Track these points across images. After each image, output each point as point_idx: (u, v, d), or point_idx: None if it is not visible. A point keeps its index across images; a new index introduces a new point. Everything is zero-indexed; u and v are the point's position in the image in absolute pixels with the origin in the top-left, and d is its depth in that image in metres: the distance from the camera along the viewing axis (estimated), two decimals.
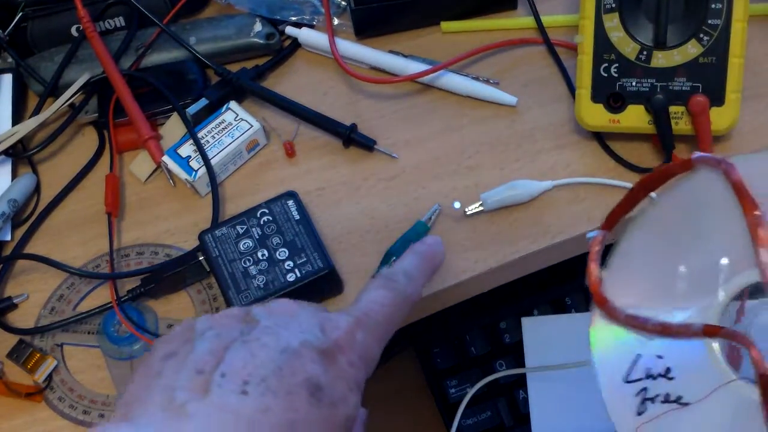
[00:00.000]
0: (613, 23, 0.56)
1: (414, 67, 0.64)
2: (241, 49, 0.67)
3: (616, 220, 0.37)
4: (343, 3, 0.68)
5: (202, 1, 0.71)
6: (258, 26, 0.67)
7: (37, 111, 0.65)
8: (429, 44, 0.67)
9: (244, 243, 0.54)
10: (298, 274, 0.53)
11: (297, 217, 0.55)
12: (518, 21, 0.67)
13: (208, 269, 0.55)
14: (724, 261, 0.35)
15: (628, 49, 0.56)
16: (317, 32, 0.67)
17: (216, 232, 0.55)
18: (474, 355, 0.64)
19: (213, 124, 0.61)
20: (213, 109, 0.63)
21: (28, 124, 0.63)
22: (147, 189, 0.62)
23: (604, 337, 0.36)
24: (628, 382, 0.35)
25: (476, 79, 0.63)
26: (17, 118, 0.66)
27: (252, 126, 0.61)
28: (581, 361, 0.58)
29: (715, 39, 0.54)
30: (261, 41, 0.66)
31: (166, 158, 0.60)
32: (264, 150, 0.63)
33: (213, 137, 0.61)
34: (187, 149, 0.60)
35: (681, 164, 0.35)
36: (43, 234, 0.61)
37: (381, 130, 0.62)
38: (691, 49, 0.55)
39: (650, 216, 0.37)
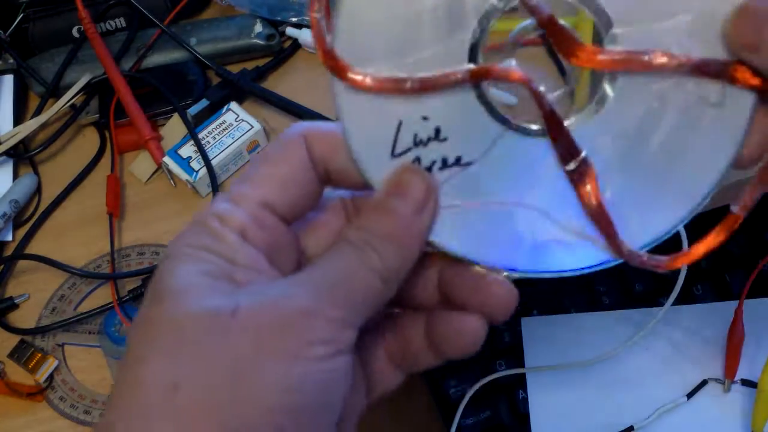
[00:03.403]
0: None
1: None
2: (242, 50, 0.67)
3: None
4: None
5: (203, 2, 0.71)
6: (258, 27, 0.67)
7: (38, 112, 0.65)
8: None
9: None
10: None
11: None
12: (517, 21, 0.67)
13: None
14: None
15: None
16: None
17: None
18: (474, 355, 0.64)
19: (214, 125, 0.62)
20: (214, 110, 0.63)
21: (30, 125, 0.63)
22: (148, 189, 0.62)
23: (355, 113, 0.31)
24: (396, 156, 0.30)
25: None
26: (18, 118, 0.66)
27: (252, 127, 0.61)
28: (581, 361, 0.59)
29: None
30: (261, 42, 0.67)
31: (166, 159, 0.60)
32: None
33: (214, 138, 0.61)
34: (187, 150, 0.61)
35: None
36: (44, 234, 0.61)
37: None
38: None
39: None
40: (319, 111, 0.63)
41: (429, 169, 0.30)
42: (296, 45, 0.68)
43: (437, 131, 0.30)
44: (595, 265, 0.32)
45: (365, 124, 0.30)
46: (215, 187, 0.60)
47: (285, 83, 0.66)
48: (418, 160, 0.30)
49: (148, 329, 0.27)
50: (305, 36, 0.67)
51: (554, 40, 0.30)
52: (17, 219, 0.61)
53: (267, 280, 0.30)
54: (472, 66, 0.30)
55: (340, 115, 0.31)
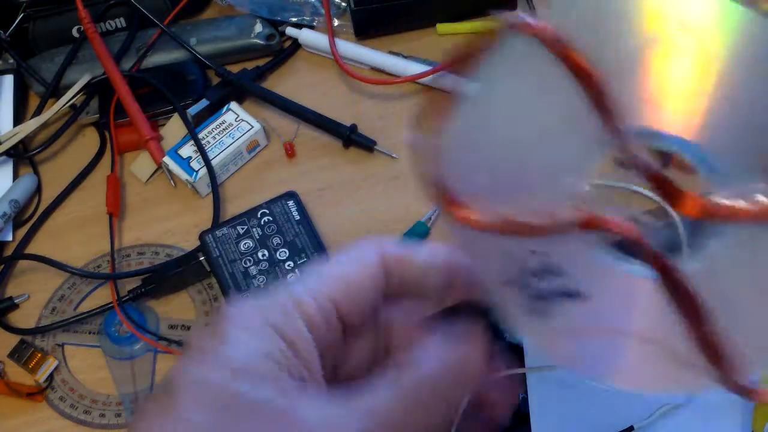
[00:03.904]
0: None
1: (414, 68, 0.64)
2: (242, 49, 0.67)
3: (435, 118, 0.31)
4: (344, 4, 0.68)
5: (203, 2, 0.71)
6: (258, 27, 0.67)
7: (38, 112, 0.65)
8: (429, 45, 0.67)
9: (245, 243, 0.54)
10: (299, 275, 0.53)
11: (297, 217, 0.55)
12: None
13: (209, 269, 0.55)
14: (572, 135, 0.30)
15: None
16: (317, 33, 0.67)
17: (217, 232, 0.55)
18: None
19: (214, 125, 0.62)
20: (214, 110, 0.63)
21: (30, 125, 0.63)
22: (148, 189, 0.62)
23: (465, 244, 0.31)
24: (504, 285, 0.30)
25: None
26: (18, 118, 0.66)
27: (252, 127, 0.61)
28: None
29: None
30: (261, 42, 0.67)
31: (166, 159, 0.60)
32: (264, 150, 0.63)
33: (213, 138, 0.61)
34: (187, 150, 0.61)
35: (486, 36, 0.29)
36: (44, 234, 0.61)
37: (381, 130, 0.62)
38: None
39: (470, 106, 0.31)
40: (319, 111, 0.63)
41: (535, 298, 0.31)
42: (296, 45, 0.68)
43: (545, 264, 0.31)
44: (704, 392, 0.32)
45: (475, 253, 0.31)
46: (215, 187, 0.60)
47: (285, 83, 0.66)
48: (525, 288, 0.31)
49: (189, 386, 0.25)
50: (305, 36, 0.67)
51: (662, 192, 0.30)
52: (17, 219, 0.61)
53: (317, 385, 0.28)
54: (580, 213, 0.30)
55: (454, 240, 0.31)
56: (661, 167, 0.29)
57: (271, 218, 0.55)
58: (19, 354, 0.55)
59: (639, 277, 0.31)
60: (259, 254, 0.54)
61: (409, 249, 0.31)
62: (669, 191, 0.28)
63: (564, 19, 0.29)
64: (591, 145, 0.30)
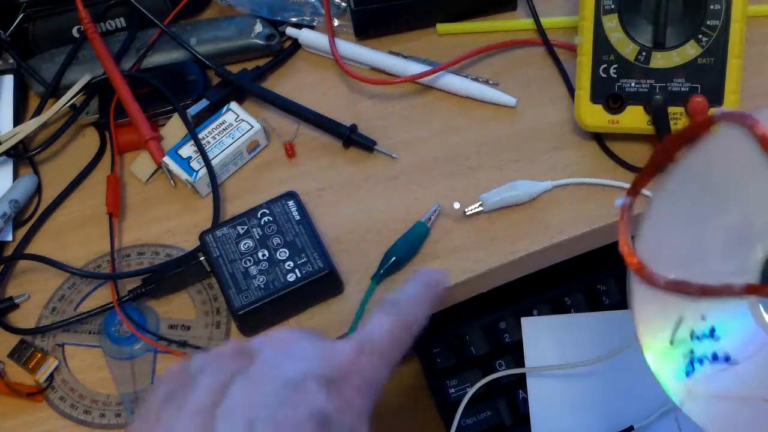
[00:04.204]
0: (612, 24, 0.56)
1: (414, 68, 0.64)
2: (242, 49, 0.67)
3: (641, 185, 0.37)
4: (343, 4, 0.68)
5: (203, 2, 0.71)
6: (258, 27, 0.67)
7: (38, 112, 0.65)
8: (429, 45, 0.67)
9: (245, 243, 0.54)
10: (299, 275, 0.53)
11: (297, 217, 0.55)
12: (517, 23, 0.67)
13: (209, 269, 0.55)
14: (759, 218, 0.35)
15: (627, 50, 0.56)
16: (317, 33, 0.67)
17: (217, 232, 0.55)
18: (474, 355, 0.64)
19: (214, 125, 0.62)
20: (214, 110, 0.63)
21: (30, 125, 0.63)
22: (148, 189, 0.62)
23: (645, 304, 0.36)
24: (674, 344, 0.35)
25: (476, 80, 0.64)
26: (18, 118, 0.66)
27: (252, 127, 0.61)
28: (581, 361, 0.58)
29: (714, 40, 0.55)
30: (261, 42, 0.67)
31: (166, 159, 0.60)
32: (264, 150, 0.63)
33: (214, 138, 0.61)
34: (187, 150, 0.61)
35: (703, 123, 0.35)
36: (44, 234, 0.61)
37: (381, 130, 0.62)
38: (691, 50, 0.55)
39: (677, 180, 0.36)
40: (319, 111, 0.63)
41: (701, 360, 0.35)
42: (296, 45, 0.68)
43: (712, 330, 0.35)
44: None
45: (651, 313, 0.36)
46: (215, 187, 0.60)
47: (285, 83, 0.66)
48: (692, 351, 0.35)
49: None
50: (305, 36, 0.67)
51: None
52: (17, 219, 0.61)
53: None
54: (749, 282, 0.35)
55: (630, 302, 0.36)
56: None
57: (271, 218, 0.55)
58: (19, 354, 0.55)
59: None
60: (259, 254, 0.54)
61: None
62: None
63: None
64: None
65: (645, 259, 0.35)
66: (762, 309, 0.35)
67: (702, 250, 0.35)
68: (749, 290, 0.34)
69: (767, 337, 0.35)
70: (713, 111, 0.35)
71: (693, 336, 0.35)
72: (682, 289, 0.35)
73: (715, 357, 0.35)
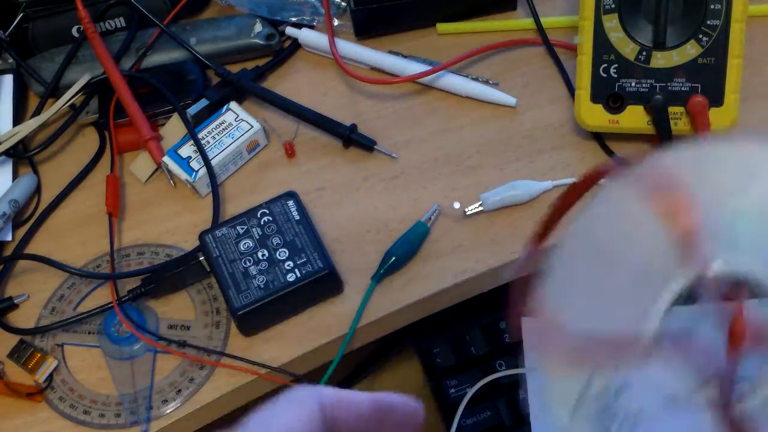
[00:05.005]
0: (612, 24, 0.56)
1: (414, 67, 0.64)
2: (242, 49, 0.67)
3: (543, 238, 0.35)
4: (343, 4, 0.68)
5: (203, 1, 0.71)
6: (258, 27, 0.67)
7: (37, 111, 0.65)
8: (429, 45, 0.67)
9: (245, 243, 0.54)
10: (298, 275, 0.53)
11: (297, 217, 0.55)
12: (517, 22, 0.67)
13: (209, 269, 0.55)
14: (657, 267, 0.32)
15: (628, 49, 0.56)
16: (317, 33, 0.67)
17: (216, 232, 0.55)
18: (474, 355, 0.64)
19: (213, 125, 0.62)
20: (213, 110, 0.63)
21: (29, 125, 0.63)
22: (147, 189, 0.62)
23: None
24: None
25: (476, 79, 0.64)
26: (18, 118, 0.66)
27: (252, 126, 0.61)
28: None
29: (714, 40, 0.55)
30: (261, 42, 0.67)
31: (166, 159, 0.60)
32: (264, 150, 0.63)
33: (213, 138, 0.61)
34: (187, 150, 0.61)
35: (597, 173, 0.33)
36: (43, 234, 0.61)
37: (381, 130, 0.62)
38: (691, 50, 0.55)
39: (574, 235, 0.34)
40: (318, 111, 0.63)
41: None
42: (296, 45, 0.68)
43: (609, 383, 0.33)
44: None
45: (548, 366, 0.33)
46: (215, 186, 0.60)
47: (285, 83, 0.66)
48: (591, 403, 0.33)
49: None
50: (305, 36, 0.67)
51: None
52: (17, 219, 0.61)
53: None
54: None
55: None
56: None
57: (270, 218, 0.55)
58: (18, 354, 0.55)
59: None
60: (259, 254, 0.54)
61: (345, 394, 0.33)
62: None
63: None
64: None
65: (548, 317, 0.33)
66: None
67: (607, 305, 0.33)
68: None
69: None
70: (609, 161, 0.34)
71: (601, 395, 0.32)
72: (594, 365, 0.32)
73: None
